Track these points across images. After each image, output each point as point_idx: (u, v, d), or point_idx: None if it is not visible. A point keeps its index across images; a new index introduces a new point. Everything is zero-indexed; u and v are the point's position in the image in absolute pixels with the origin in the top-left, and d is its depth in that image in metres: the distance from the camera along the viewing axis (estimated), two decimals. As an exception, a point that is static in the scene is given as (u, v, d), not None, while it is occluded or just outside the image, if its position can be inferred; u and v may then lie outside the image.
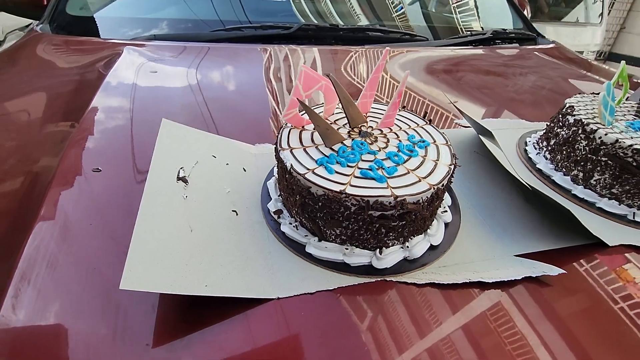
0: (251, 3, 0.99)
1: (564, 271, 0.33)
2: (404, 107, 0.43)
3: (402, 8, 1.11)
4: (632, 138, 0.42)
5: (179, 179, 0.36)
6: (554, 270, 0.33)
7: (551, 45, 1.13)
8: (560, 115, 0.49)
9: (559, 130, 0.49)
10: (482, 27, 1.15)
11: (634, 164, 0.40)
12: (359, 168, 0.32)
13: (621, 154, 0.41)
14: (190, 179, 0.37)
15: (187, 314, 0.29)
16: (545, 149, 0.51)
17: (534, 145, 0.54)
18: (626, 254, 0.37)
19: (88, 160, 0.43)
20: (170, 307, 0.29)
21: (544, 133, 0.53)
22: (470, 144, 0.51)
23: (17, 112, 0.55)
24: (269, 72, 0.72)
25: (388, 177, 0.32)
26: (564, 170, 0.48)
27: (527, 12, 1.49)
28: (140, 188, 0.40)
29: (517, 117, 0.65)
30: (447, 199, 0.40)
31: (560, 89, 0.82)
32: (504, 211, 0.41)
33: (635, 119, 0.47)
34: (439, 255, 0.35)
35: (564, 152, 0.47)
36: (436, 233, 0.36)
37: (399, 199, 0.30)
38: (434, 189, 0.31)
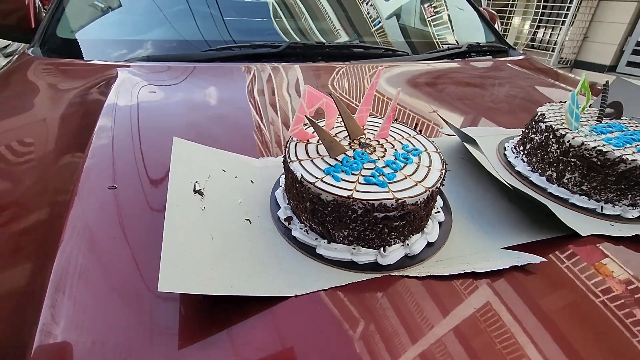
0: (240, 24, 1.03)
1: (545, 259, 0.37)
2: (395, 119, 0.48)
3: (379, 22, 1.18)
4: (595, 141, 0.47)
5: (195, 192, 0.39)
6: (536, 259, 0.37)
7: (521, 57, 1.21)
8: (533, 122, 0.55)
9: (533, 135, 0.54)
10: (457, 41, 1.23)
11: (598, 163, 0.46)
12: (362, 175, 0.36)
13: (587, 155, 0.47)
14: (205, 191, 0.40)
15: (211, 314, 0.31)
16: (522, 153, 0.56)
17: (512, 150, 0.59)
18: (597, 244, 0.42)
19: (103, 179, 0.45)
20: (195, 309, 0.32)
21: (520, 139, 0.58)
22: (455, 151, 0.56)
23: (26, 135, 0.57)
24: (260, 89, 0.76)
25: (389, 182, 0.35)
26: (539, 171, 0.53)
27: (497, 26, 1.59)
28: (154, 201, 0.43)
29: (495, 125, 0.70)
30: (439, 201, 0.44)
31: (531, 97, 0.88)
32: (490, 210, 0.46)
33: (597, 123, 0.53)
34: (435, 251, 0.39)
35: (539, 155, 0.53)
36: (432, 231, 0.40)
37: (400, 201, 0.34)
38: (429, 191, 0.35)
